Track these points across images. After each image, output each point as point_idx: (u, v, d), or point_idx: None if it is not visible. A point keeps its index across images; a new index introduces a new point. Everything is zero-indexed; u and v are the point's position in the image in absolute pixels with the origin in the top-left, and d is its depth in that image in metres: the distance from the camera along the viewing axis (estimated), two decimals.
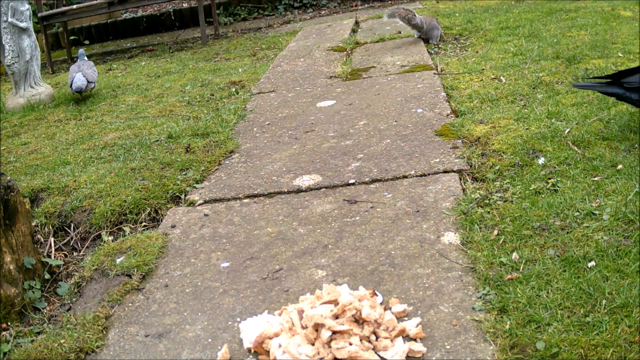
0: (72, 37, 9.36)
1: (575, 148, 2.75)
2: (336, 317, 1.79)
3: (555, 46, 4.56)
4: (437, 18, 6.40)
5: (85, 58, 5.45)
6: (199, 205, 2.86)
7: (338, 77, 4.78)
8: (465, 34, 5.59)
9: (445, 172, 2.78)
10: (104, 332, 2.05)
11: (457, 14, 6.53)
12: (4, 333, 2.16)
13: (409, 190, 2.66)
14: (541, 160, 2.69)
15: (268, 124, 3.85)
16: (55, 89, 5.91)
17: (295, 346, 1.74)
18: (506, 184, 2.58)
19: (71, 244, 2.90)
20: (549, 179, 2.53)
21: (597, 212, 2.24)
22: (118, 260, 2.43)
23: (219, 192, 2.96)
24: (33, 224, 2.87)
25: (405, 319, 1.87)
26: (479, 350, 1.70)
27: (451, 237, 2.27)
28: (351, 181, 2.84)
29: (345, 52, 5.65)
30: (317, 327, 1.76)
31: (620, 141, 2.75)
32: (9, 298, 2.25)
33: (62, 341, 1.99)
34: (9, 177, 2.38)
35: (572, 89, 3.57)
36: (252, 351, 1.83)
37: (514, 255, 2.08)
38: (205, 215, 2.74)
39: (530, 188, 2.49)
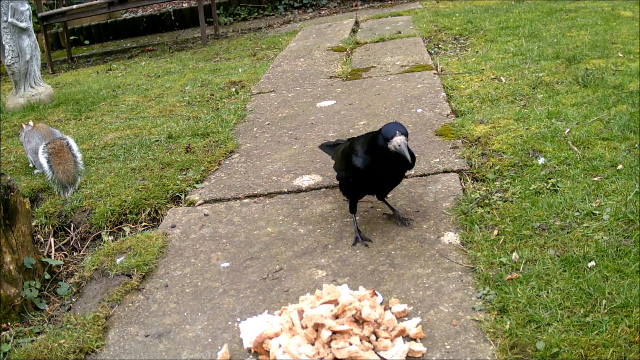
0: (72, 37, 9.36)
1: (575, 148, 2.75)
2: (336, 317, 1.79)
3: (555, 46, 4.56)
4: (438, 18, 6.41)
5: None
6: (199, 205, 2.86)
7: (338, 77, 4.77)
8: (465, 34, 5.58)
9: (445, 172, 2.78)
10: (104, 332, 2.04)
11: (457, 14, 6.53)
12: (4, 333, 2.16)
13: (409, 190, 2.66)
14: (541, 160, 2.69)
15: (268, 124, 3.85)
16: (55, 89, 5.91)
17: (295, 346, 1.74)
18: (506, 184, 2.58)
19: (71, 244, 2.90)
20: (549, 179, 2.53)
21: (597, 212, 2.24)
22: (118, 260, 2.43)
23: (219, 192, 2.96)
24: (33, 224, 2.87)
25: (405, 319, 1.87)
26: (479, 350, 1.70)
27: (451, 237, 2.27)
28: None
29: (345, 52, 5.65)
30: (317, 327, 1.76)
31: (620, 141, 2.75)
32: (9, 298, 2.24)
33: (62, 341, 1.99)
34: (9, 177, 2.38)
35: (572, 90, 3.57)
36: (252, 351, 1.83)
37: (514, 255, 2.08)
38: (205, 215, 2.74)
39: (530, 188, 2.49)
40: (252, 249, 2.40)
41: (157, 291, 2.24)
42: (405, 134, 2.14)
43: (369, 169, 2.23)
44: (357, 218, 2.43)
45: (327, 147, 2.78)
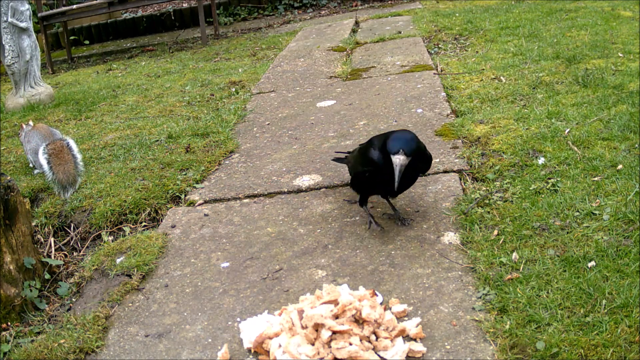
0: (72, 37, 9.36)
1: (575, 148, 2.75)
2: (336, 317, 1.79)
3: (555, 46, 4.56)
4: (438, 18, 6.40)
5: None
6: (199, 205, 2.86)
7: (338, 77, 4.78)
8: (465, 34, 5.59)
9: (445, 172, 2.78)
10: (104, 332, 2.05)
11: (457, 14, 6.53)
12: (4, 333, 2.16)
13: (409, 190, 2.66)
14: (541, 160, 2.69)
15: (268, 124, 3.85)
16: (55, 89, 5.91)
17: (295, 346, 1.74)
18: (506, 184, 2.58)
19: (71, 244, 2.90)
20: (549, 179, 2.53)
21: (597, 212, 2.24)
22: (118, 260, 2.43)
23: (219, 192, 2.96)
24: (33, 224, 2.87)
25: (405, 319, 1.87)
26: (479, 350, 1.70)
27: (451, 237, 2.27)
28: None
29: (345, 52, 5.65)
30: (317, 327, 1.76)
31: (620, 141, 2.75)
32: (9, 298, 2.25)
33: (62, 341, 1.99)
34: (9, 177, 2.38)
35: (572, 90, 3.57)
36: (252, 351, 1.83)
37: (514, 255, 2.08)
38: (205, 215, 2.74)
39: (530, 188, 2.49)
40: (252, 249, 2.40)
41: (157, 291, 2.24)
42: (409, 154, 2.09)
43: (385, 165, 2.21)
44: (368, 208, 2.45)
45: (339, 159, 2.79)
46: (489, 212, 2.38)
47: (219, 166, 3.28)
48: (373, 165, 2.24)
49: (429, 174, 2.77)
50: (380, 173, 2.25)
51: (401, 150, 2.09)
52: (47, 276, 2.50)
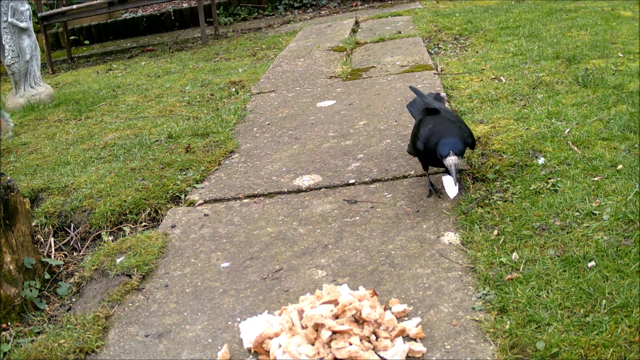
0: (72, 37, 9.36)
1: (575, 148, 2.75)
2: (336, 317, 1.79)
3: (555, 46, 4.56)
4: (438, 18, 6.41)
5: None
6: (199, 205, 2.86)
7: (338, 77, 4.77)
8: (465, 34, 5.58)
9: (445, 172, 2.78)
10: (104, 332, 2.05)
11: (457, 14, 6.53)
12: (4, 333, 2.16)
13: (409, 190, 2.66)
14: (541, 160, 2.69)
15: (268, 124, 3.85)
16: (55, 89, 5.91)
17: (295, 346, 1.74)
18: (506, 184, 2.58)
19: (71, 244, 2.90)
20: (549, 179, 2.53)
21: (597, 212, 2.24)
22: (118, 260, 2.43)
23: (219, 192, 2.96)
24: (33, 224, 2.87)
25: (405, 319, 1.87)
26: (479, 350, 1.70)
27: (451, 237, 2.27)
28: (351, 181, 2.84)
29: (345, 52, 5.65)
30: (317, 327, 1.76)
31: (620, 141, 2.75)
32: (9, 298, 2.25)
33: (62, 341, 1.99)
34: (9, 177, 2.38)
35: (572, 90, 3.57)
36: (252, 351, 1.83)
37: (514, 255, 2.08)
38: (205, 215, 2.74)
39: (530, 188, 2.49)
40: (252, 249, 2.40)
41: (157, 291, 2.24)
42: (459, 154, 2.32)
43: (433, 155, 2.42)
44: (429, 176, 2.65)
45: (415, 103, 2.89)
46: (489, 212, 2.38)
47: (219, 166, 3.28)
48: (418, 152, 2.52)
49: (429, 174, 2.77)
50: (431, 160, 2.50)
51: (450, 152, 2.31)
52: (47, 276, 2.50)
